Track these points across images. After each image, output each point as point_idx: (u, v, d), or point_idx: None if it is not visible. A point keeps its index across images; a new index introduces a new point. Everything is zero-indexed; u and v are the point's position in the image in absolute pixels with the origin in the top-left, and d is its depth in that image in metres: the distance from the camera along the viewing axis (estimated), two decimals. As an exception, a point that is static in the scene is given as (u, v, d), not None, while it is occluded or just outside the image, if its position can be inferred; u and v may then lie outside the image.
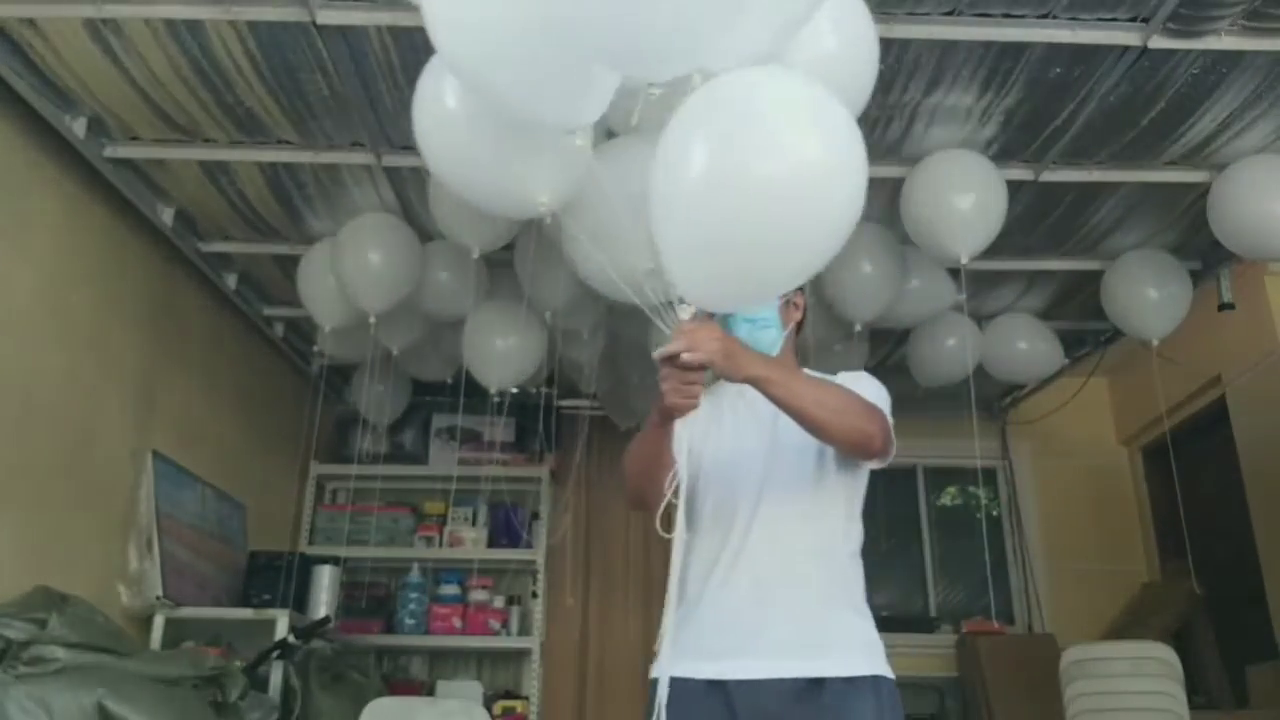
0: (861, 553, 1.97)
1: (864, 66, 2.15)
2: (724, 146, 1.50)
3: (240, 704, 3.02)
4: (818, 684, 1.76)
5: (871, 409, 1.83)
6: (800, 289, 2.02)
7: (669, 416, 1.73)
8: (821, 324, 3.77)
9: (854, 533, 1.95)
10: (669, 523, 1.74)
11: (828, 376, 1.96)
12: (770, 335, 1.98)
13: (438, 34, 1.69)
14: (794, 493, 1.91)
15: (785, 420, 1.79)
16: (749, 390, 1.76)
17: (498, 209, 2.49)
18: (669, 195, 1.53)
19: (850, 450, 1.84)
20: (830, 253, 1.59)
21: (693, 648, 1.82)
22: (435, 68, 2.03)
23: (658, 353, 1.63)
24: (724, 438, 1.98)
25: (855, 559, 1.95)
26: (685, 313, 1.59)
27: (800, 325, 2.07)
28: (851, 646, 1.83)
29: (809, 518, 1.90)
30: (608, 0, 1.44)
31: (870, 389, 1.93)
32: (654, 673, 1.75)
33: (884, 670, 1.82)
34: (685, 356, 1.60)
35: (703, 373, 1.66)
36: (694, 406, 1.68)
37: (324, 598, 4.18)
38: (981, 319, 4.29)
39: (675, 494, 1.77)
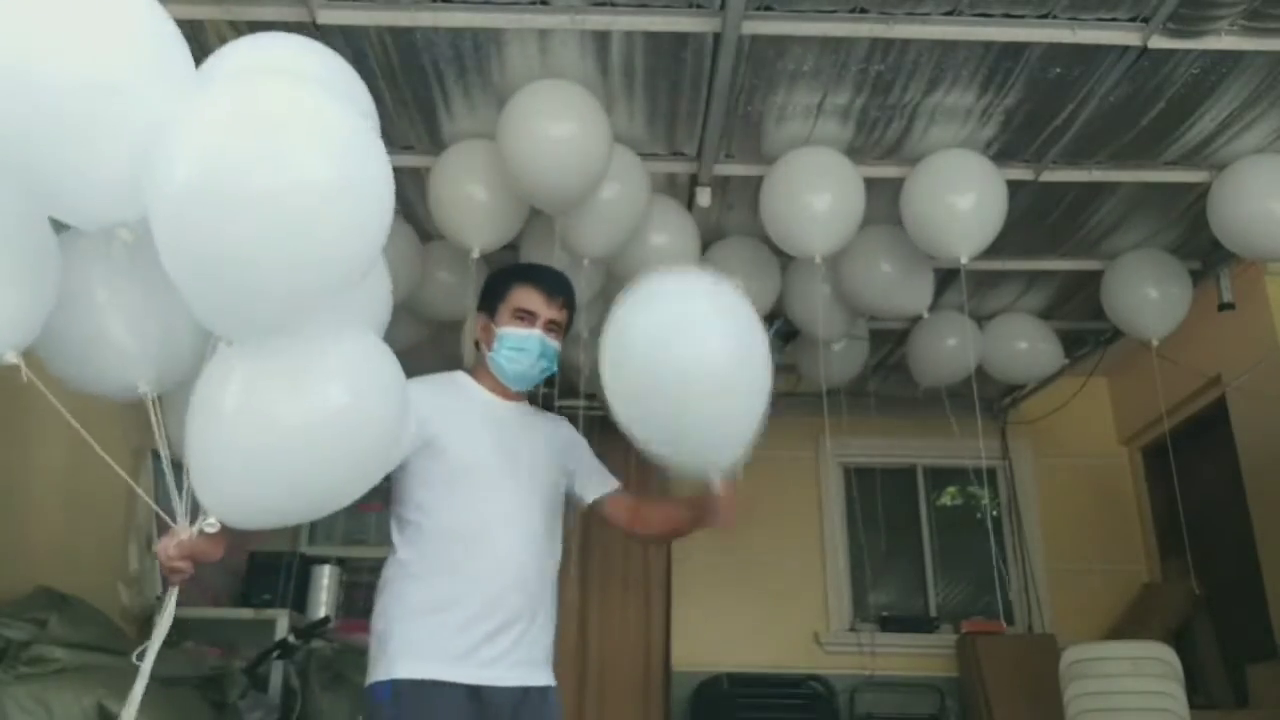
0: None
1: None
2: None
3: (240, 704, 3.03)
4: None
5: None
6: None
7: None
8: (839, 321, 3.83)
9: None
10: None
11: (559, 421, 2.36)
12: (547, 374, 2.22)
13: None
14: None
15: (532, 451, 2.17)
16: (509, 412, 2.18)
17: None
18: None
19: (648, 536, 2.45)
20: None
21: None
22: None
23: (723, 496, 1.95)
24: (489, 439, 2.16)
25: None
26: (210, 527, 1.65)
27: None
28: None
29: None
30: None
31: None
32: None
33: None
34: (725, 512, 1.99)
35: None
36: None
37: (324, 598, 4.18)
38: (981, 319, 4.30)
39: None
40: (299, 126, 1.37)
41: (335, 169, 1.37)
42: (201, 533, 1.64)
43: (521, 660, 2.02)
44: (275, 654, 3.38)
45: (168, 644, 3.52)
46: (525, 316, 2.15)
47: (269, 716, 3.18)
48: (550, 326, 2.17)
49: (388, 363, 1.66)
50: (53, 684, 2.43)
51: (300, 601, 4.07)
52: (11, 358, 1.60)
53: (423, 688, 1.92)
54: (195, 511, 1.63)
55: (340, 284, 1.45)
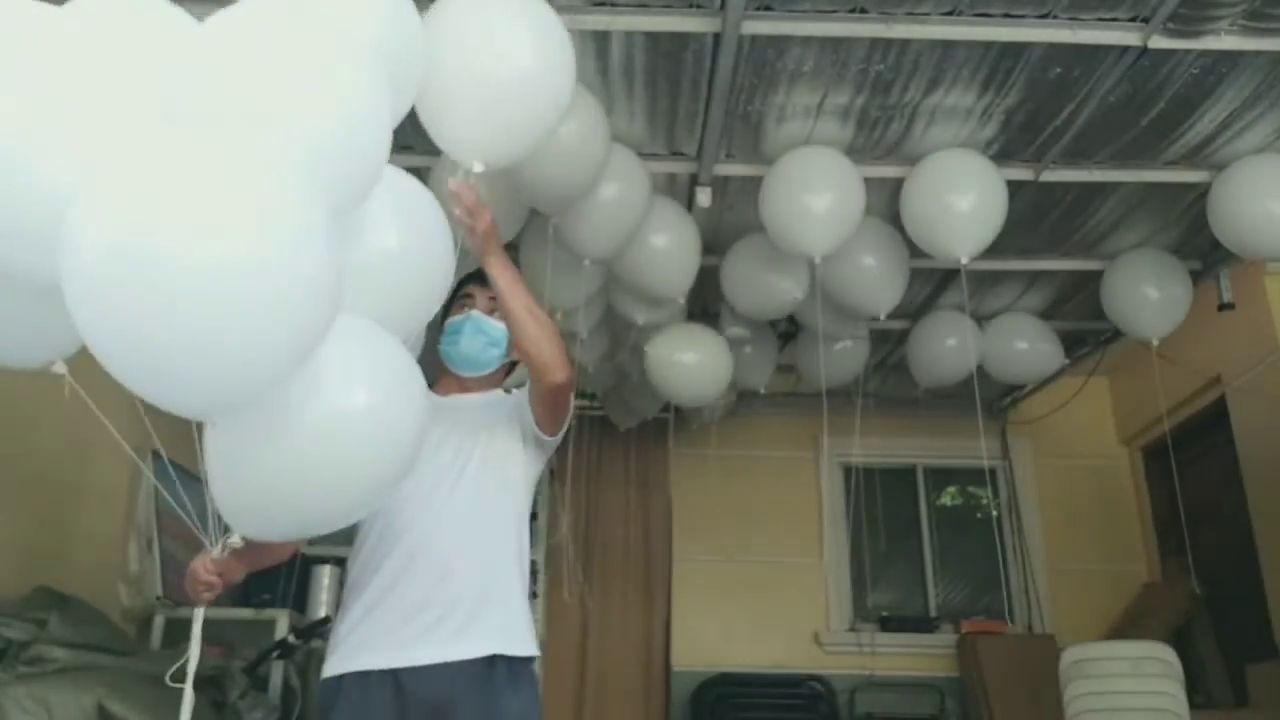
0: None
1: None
2: None
3: (240, 704, 3.02)
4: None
5: (563, 344, 2.06)
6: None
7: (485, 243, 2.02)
8: (833, 320, 3.81)
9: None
10: None
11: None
12: (493, 354, 2.20)
13: None
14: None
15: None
16: (456, 404, 2.14)
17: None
18: None
19: (537, 370, 2.03)
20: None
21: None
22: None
23: (453, 185, 1.95)
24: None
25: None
26: (237, 543, 1.62)
27: (514, 365, 2.29)
28: None
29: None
30: None
31: None
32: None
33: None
34: (467, 202, 1.94)
35: None
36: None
37: (324, 598, 4.17)
38: (981, 319, 4.30)
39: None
40: (222, 197, 1.20)
41: (256, 248, 1.19)
42: (229, 549, 1.62)
43: (454, 636, 1.96)
44: (275, 654, 3.37)
45: (167, 644, 3.53)
46: (463, 303, 2.23)
47: (269, 716, 3.18)
48: (492, 308, 2.20)
49: (404, 359, 1.61)
50: (53, 684, 2.42)
51: (300, 601, 4.07)
52: (59, 368, 1.59)
53: (343, 681, 1.94)
54: (220, 528, 1.62)
55: (264, 376, 1.30)
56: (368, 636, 1.98)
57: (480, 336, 2.19)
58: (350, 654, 1.97)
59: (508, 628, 2.04)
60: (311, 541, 5.08)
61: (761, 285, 3.63)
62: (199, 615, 1.67)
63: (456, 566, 2.04)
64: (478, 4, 2.06)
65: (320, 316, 1.31)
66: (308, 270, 1.26)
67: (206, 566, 1.71)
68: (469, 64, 2.01)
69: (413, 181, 1.82)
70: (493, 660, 1.98)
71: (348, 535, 2.20)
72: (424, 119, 2.04)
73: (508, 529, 2.14)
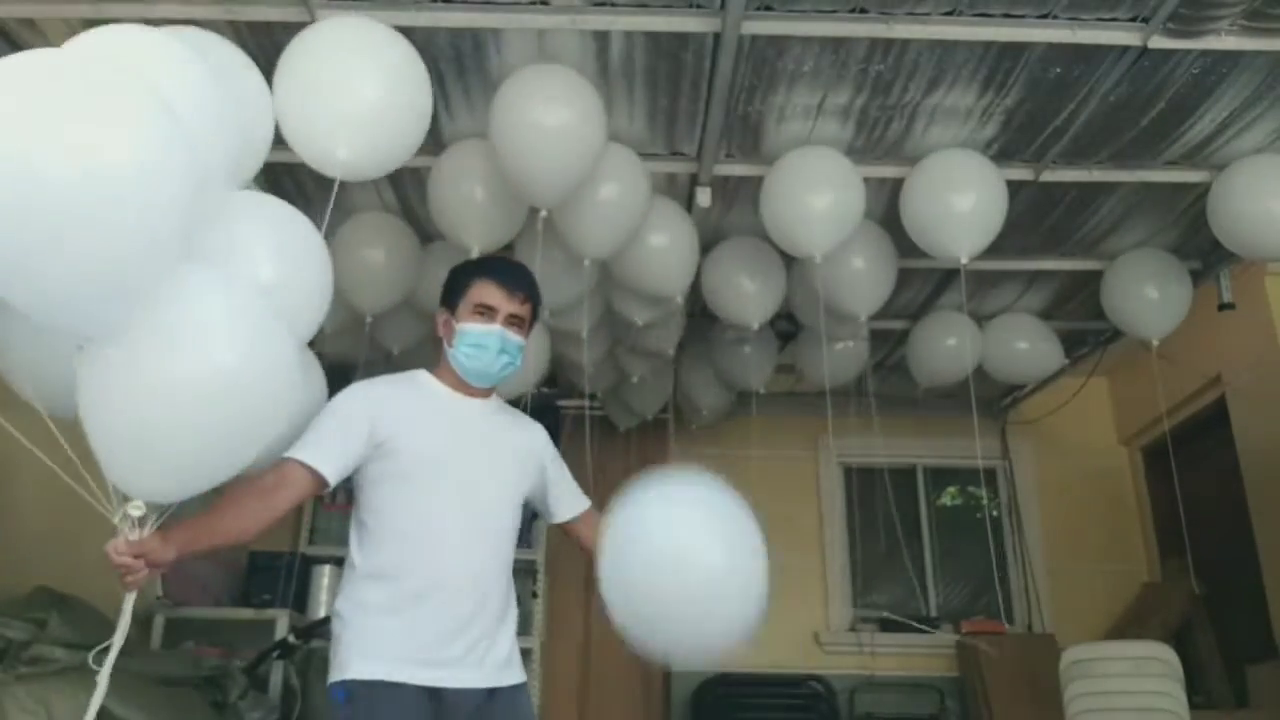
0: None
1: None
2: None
3: (240, 704, 3.03)
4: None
5: None
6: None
7: None
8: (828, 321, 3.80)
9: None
10: None
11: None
12: (509, 372, 2.20)
13: None
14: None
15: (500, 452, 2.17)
16: (471, 409, 2.15)
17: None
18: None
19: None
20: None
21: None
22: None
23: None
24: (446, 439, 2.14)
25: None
26: (136, 510, 1.63)
27: None
28: None
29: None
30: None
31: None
32: None
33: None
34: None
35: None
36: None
37: (324, 598, 4.18)
38: (981, 319, 4.30)
39: None
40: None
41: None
42: (135, 524, 1.62)
43: (482, 661, 2.01)
44: (275, 654, 3.38)
45: (167, 644, 3.53)
46: (485, 312, 2.12)
47: (269, 716, 3.18)
48: (511, 321, 2.14)
49: (265, 315, 1.65)
50: (53, 684, 2.42)
51: (300, 601, 4.07)
52: None
53: (376, 688, 1.91)
54: (118, 500, 1.61)
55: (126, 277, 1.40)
56: (402, 645, 1.96)
57: (503, 356, 2.13)
58: (384, 661, 1.94)
59: (514, 652, 2.13)
60: (312, 541, 5.12)
61: (735, 290, 3.62)
62: (129, 600, 1.66)
63: (494, 586, 2.08)
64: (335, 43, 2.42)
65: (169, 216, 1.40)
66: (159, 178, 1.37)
67: (118, 549, 1.63)
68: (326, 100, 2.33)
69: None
70: (516, 686, 2.10)
71: (347, 536, 2.18)
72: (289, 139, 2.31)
73: (512, 557, 2.19)
